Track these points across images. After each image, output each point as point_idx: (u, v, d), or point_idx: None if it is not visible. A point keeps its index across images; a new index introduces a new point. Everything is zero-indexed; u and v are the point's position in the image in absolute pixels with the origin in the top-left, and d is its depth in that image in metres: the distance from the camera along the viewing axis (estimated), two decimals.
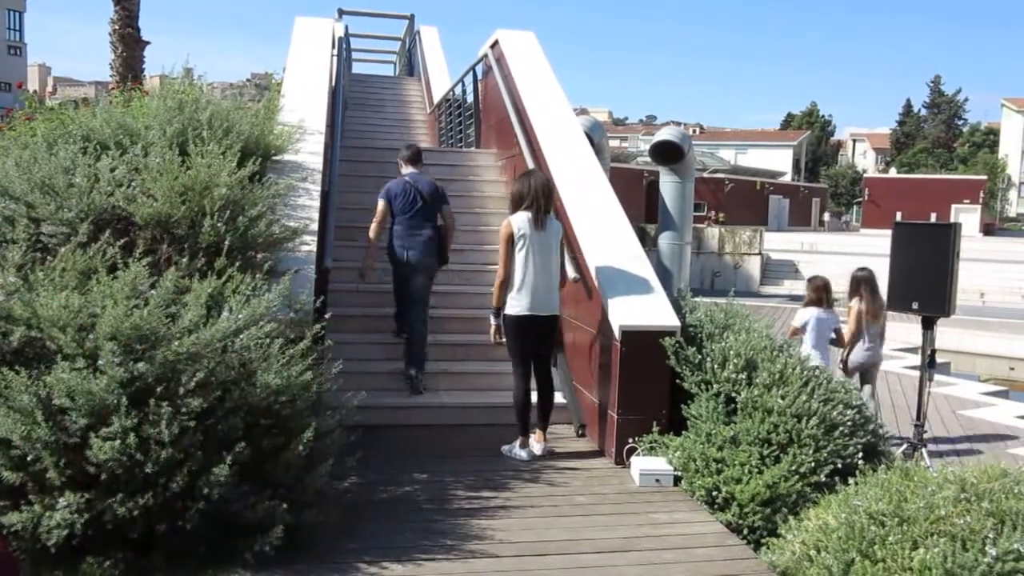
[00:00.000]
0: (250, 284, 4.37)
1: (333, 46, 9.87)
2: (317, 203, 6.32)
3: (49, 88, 68.80)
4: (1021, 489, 3.70)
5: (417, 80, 18.17)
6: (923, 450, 6.50)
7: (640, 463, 5.08)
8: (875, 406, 6.99)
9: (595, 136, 9.12)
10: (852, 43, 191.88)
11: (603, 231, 6.36)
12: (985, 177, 53.48)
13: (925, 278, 6.20)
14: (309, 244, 5.71)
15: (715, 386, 5.08)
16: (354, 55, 19.32)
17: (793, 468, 4.53)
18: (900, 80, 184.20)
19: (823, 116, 78.94)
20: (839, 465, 4.61)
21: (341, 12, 18.83)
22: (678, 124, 48.95)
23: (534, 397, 5.63)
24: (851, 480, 4.25)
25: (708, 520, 4.52)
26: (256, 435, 3.86)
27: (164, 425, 3.57)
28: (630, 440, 5.34)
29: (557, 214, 6.70)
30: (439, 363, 6.71)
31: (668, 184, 9.45)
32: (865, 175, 60.12)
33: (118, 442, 3.50)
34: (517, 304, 5.46)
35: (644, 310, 5.57)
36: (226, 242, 4.74)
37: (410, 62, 19.92)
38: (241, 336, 4.04)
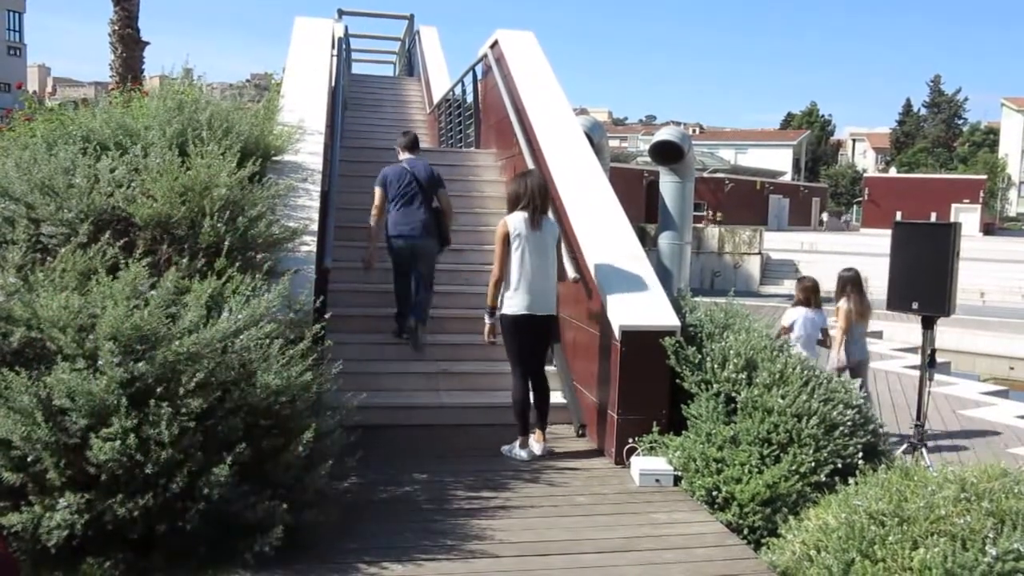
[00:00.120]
0: (250, 284, 4.38)
1: (333, 46, 9.87)
2: (317, 203, 6.32)
3: (49, 89, 68.81)
4: (1021, 489, 3.70)
5: (417, 80, 18.18)
6: (923, 450, 6.50)
7: (640, 463, 5.08)
8: (868, 403, 7.03)
9: (595, 136, 9.13)
10: (852, 43, 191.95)
11: (603, 231, 6.36)
12: (985, 177, 53.48)
13: (925, 278, 6.20)
14: (309, 244, 5.71)
15: (715, 386, 5.08)
16: (354, 55, 19.33)
17: (793, 468, 4.53)
18: (900, 80, 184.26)
19: (823, 116, 78.94)
20: (839, 465, 4.61)
21: (341, 12, 18.84)
22: (678, 124, 48.95)
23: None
24: (851, 480, 4.25)
25: (708, 520, 4.52)
26: (256, 435, 3.86)
27: (164, 426, 3.57)
28: (630, 440, 5.34)
29: (558, 213, 6.72)
30: (439, 363, 6.71)
31: (668, 184, 9.45)
32: (865, 175, 60.13)
33: (118, 443, 3.50)
34: (514, 304, 5.46)
35: (644, 310, 5.57)
36: (226, 242, 4.74)
37: (410, 62, 19.93)
38: (241, 336, 4.04)
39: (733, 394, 5.02)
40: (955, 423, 8.84)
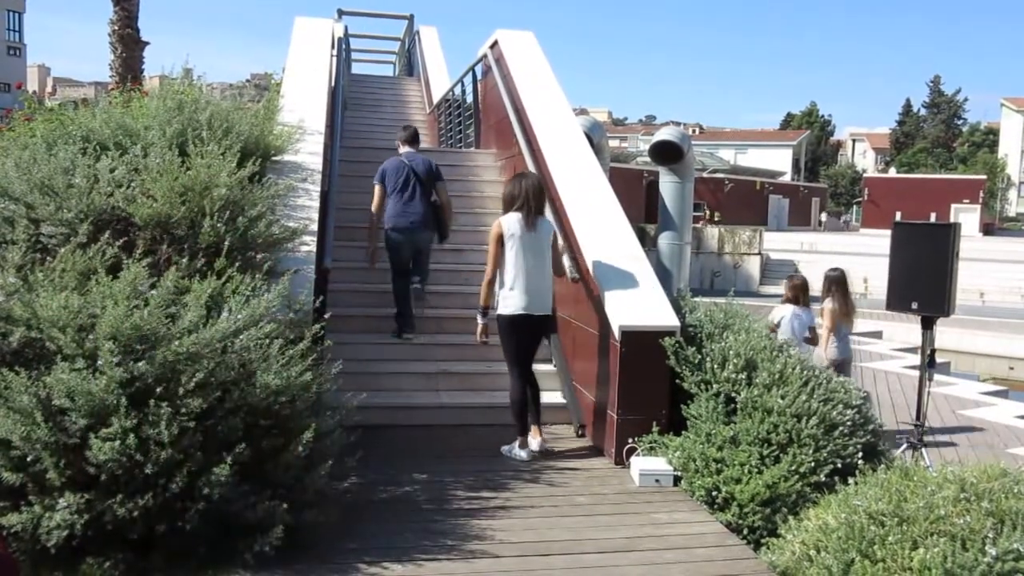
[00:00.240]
0: (250, 284, 4.38)
1: (332, 46, 9.87)
2: (317, 203, 6.32)
3: (49, 89, 68.79)
4: (1021, 489, 3.70)
5: (417, 80, 18.18)
6: (923, 450, 6.50)
7: (640, 463, 5.08)
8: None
9: (595, 136, 9.12)
10: (852, 43, 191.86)
11: (603, 231, 6.36)
12: (985, 177, 53.48)
13: (925, 278, 6.20)
14: (309, 244, 5.71)
15: (715, 386, 5.08)
16: (354, 55, 19.34)
17: (793, 468, 4.53)
18: (900, 80, 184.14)
19: (823, 116, 78.98)
20: (839, 465, 4.61)
21: (341, 12, 18.84)
22: (678, 124, 48.92)
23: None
24: (851, 480, 4.25)
25: (708, 520, 4.52)
26: (256, 435, 3.86)
27: (164, 426, 3.57)
28: (630, 440, 5.34)
29: (558, 213, 6.72)
30: (439, 363, 6.71)
31: (668, 184, 9.44)
32: (865, 175, 60.13)
33: (118, 443, 3.50)
34: (511, 303, 5.48)
35: (644, 310, 5.57)
36: (226, 242, 4.74)
37: (409, 62, 19.93)
38: (241, 336, 4.04)
39: (733, 394, 5.02)
40: (955, 423, 8.84)
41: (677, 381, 5.31)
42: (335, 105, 8.68)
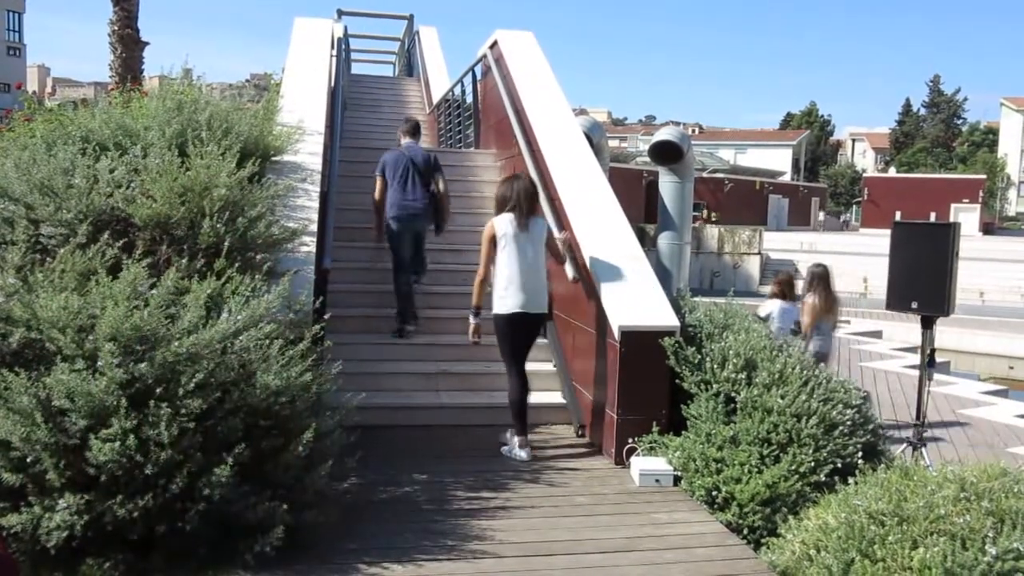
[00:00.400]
0: (249, 285, 4.38)
1: (332, 47, 9.87)
2: (316, 204, 6.32)
3: (48, 89, 68.80)
4: (1021, 488, 3.70)
5: (416, 80, 18.18)
6: (923, 449, 6.50)
7: (640, 463, 5.08)
8: None
9: (594, 136, 9.13)
10: (851, 43, 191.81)
11: (602, 231, 6.36)
12: (984, 176, 53.48)
13: (924, 277, 6.19)
14: (308, 245, 5.71)
15: (715, 386, 5.08)
16: (353, 56, 19.33)
17: (793, 468, 4.53)
18: (899, 80, 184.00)
19: (822, 116, 78.98)
20: (839, 465, 4.61)
21: (340, 13, 18.84)
22: (677, 124, 48.91)
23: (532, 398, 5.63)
24: (851, 480, 4.25)
25: (708, 520, 4.52)
26: (256, 436, 3.86)
27: (164, 426, 3.57)
28: (630, 440, 5.34)
29: (558, 213, 6.72)
30: (439, 363, 6.71)
31: (667, 184, 9.44)
32: (864, 175, 60.12)
33: (118, 443, 3.50)
34: (507, 303, 5.51)
35: (643, 310, 5.57)
36: (225, 243, 4.74)
37: (409, 62, 19.93)
38: (241, 337, 4.04)
39: (733, 394, 5.02)
40: (955, 422, 8.84)
41: (677, 381, 5.31)
42: (335, 105, 8.67)
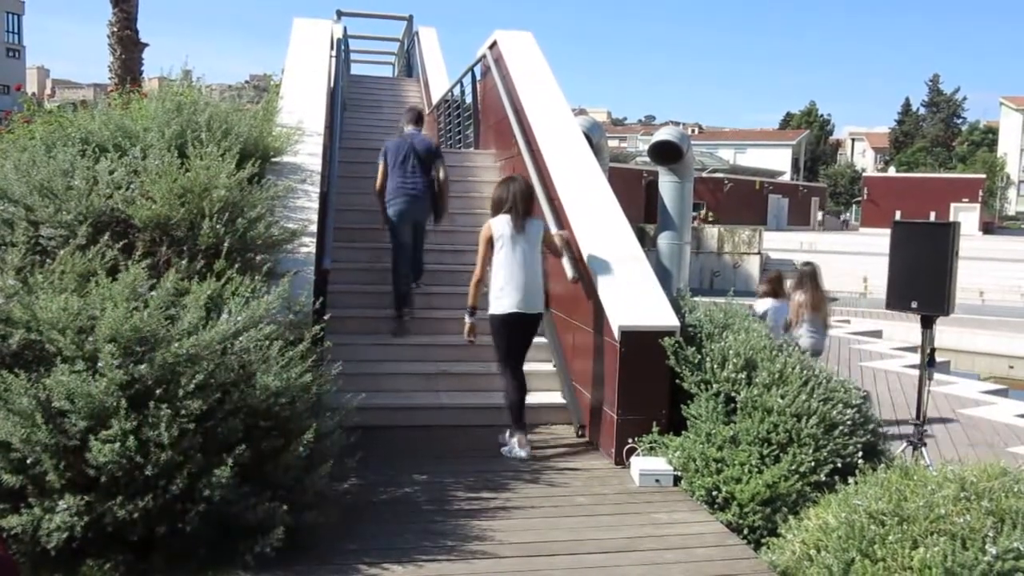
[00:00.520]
0: (249, 286, 4.38)
1: (331, 47, 9.87)
2: (316, 204, 6.32)
3: (48, 91, 68.77)
4: (1021, 488, 3.70)
5: (416, 81, 18.17)
6: (923, 449, 6.50)
7: (640, 463, 5.08)
8: None
9: (594, 136, 9.13)
10: (851, 43, 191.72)
11: (602, 231, 6.36)
12: (984, 176, 53.49)
13: (924, 277, 6.19)
14: (308, 246, 5.71)
15: (715, 386, 5.08)
16: (353, 56, 19.32)
17: (793, 467, 4.53)
18: (899, 79, 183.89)
19: (822, 115, 78.96)
20: (839, 464, 4.61)
21: (340, 13, 18.83)
22: (677, 124, 48.91)
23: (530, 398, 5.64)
24: (851, 479, 4.25)
25: (708, 520, 4.52)
26: (256, 437, 3.86)
27: (164, 427, 3.57)
28: (630, 440, 5.34)
29: (558, 214, 6.72)
30: (439, 364, 6.71)
31: (667, 184, 9.45)
32: (864, 174, 60.14)
33: (118, 444, 3.50)
34: (503, 304, 5.54)
35: (643, 310, 5.57)
36: (225, 244, 4.74)
37: (409, 63, 19.92)
38: (240, 338, 4.04)
39: (733, 394, 5.02)
40: (955, 422, 8.84)
41: (677, 381, 5.31)
42: (334, 106, 8.68)
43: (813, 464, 4.56)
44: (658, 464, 5.06)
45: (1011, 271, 26.91)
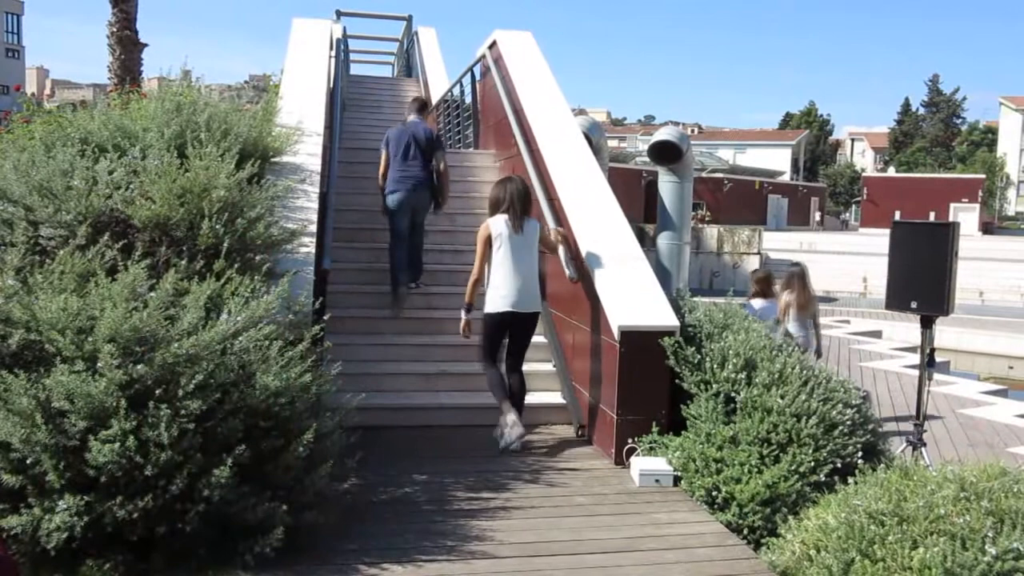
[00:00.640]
0: (249, 286, 4.38)
1: (331, 47, 9.88)
2: (316, 205, 6.32)
3: (47, 91, 68.78)
4: (1020, 488, 3.70)
5: (415, 81, 18.16)
6: (922, 449, 6.50)
7: (640, 463, 5.08)
8: None
9: (593, 136, 9.14)
10: (851, 43, 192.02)
11: (602, 231, 6.36)
12: (984, 176, 53.49)
13: (924, 277, 6.19)
14: (308, 246, 5.71)
15: (714, 386, 5.08)
16: (352, 56, 19.31)
17: (793, 468, 4.52)
18: (898, 79, 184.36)
19: (821, 115, 78.95)
20: (839, 464, 4.61)
21: (339, 13, 18.83)
22: (676, 124, 48.87)
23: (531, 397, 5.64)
24: (850, 479, 4.25)
25: (708, 520, 4.52)
26: (256, 437, 3.85)
27: (163, 427, 3.57)
28: (630, 440, 5.34)
29: (557, 214, 6.72)
30: (439, 364, 6.71)
31: (667, 184, 9.46)
32: (864, 174, 60.13)
33: (117, 444, 3.50)
34: (497, 303, 5.61)
35: (643, 310, 5.57)
36: (225, 244, 4.74)
37: (408, 63, 19.92)
38: (240, 338, 4.04)
39: (732, 394, 5.02)
40: (954, 422, 8.84)
41: (677, 381, 5.31)
42: (334, 106, 8.68)
43: (813, 464, 4.56)
44: (658, 464, 5.06)
45: (1011, 271, 26.91)
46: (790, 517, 4.28)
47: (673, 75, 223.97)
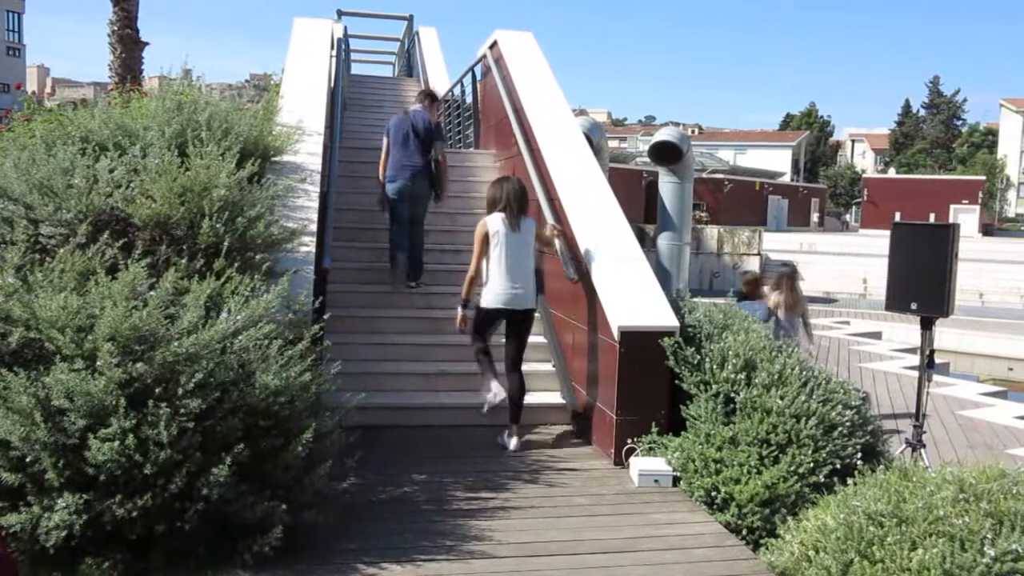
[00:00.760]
0: (249, 285, 4.38)
1: (332, 47, 9.87)
2: (316, 204, 6.32)
3: (48, 89, 68.79)
4: (1019, 489, 3.70)
5: (416, 81, 18.16)
6: (922, 450, 6.51)
7: (639, 464, 5.08)
8: None
9: (594, 137, 9.15)
10: (851, 43, 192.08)
11: (602, 231, 6.36)
12: (984, 177, 53.48)
13: (924, 278, 6.19)
14: (308, 245, 5.71)
15: (714, 386, 5.08)
16: (353, 56, 19.32)
17: (792, 468, 4.53)
18: (899, 80, 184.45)
19: (822, 116, 78.95)
20: (838, 465, 4.61)
21: (340, 13, 18.83)
22: (677, 125, 48.85)
23: (527, 399, 5.65)
24: (850, 480, 4.25)
25: (707, 520, 4.52)
26: (255, 436, 3.86)
27: (163, 426, 3.57)
28: (629, 440, 5.34)
29: (557, 214, 6.72)
30: (438, 364, 6.71)
31: (667, 184, 9.46)
32: (864, 175, 60.13)
33: (117, 443, 3.50)
34: (490, 299, 5.72)
35: (643, 310, 5.57)
36: (225, 243, 4.74)
37: (409, 63, 19.92)
38: (240, 337, 4.04)
39: (732, 395, 5.02)
40: (954, 424, 8.84)
41: (676, 381, 5.31)
42: (334, 106, 8.68)
43: (812, 465, 4.56)
44: (657, 464, 5.06)
45: (1011, 273, 26.90)
46: (789, 518, 4.28)
47: (673, 75, 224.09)
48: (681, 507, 4.70)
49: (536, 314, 6.83)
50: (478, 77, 11.03)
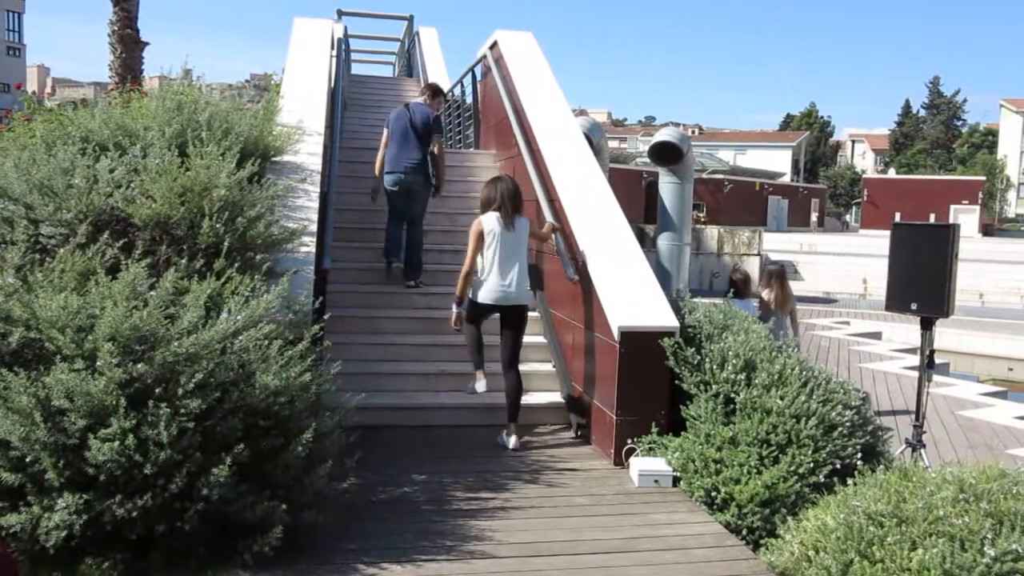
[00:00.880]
0: (249, 285, 4.38)
1: (332, 47, 9.87)
2: (316, 204, 6.32)
3: (48, 89, 68.80)
4: (1019, 490, 3.70)
5: (416, 81, 18.16)
6: (922, 450, 6.51)
7: (639, 464, 5.08)
8: None
9: (594, 137, 9.13)
10: (851, 43, 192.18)
11: (602, 232, 6.36)
12: (984, 178, 53.51)
13: (924, 279, 6.19)
14: (308, 245, 5.71)
15: (714, 387, 5.08)
16: (353, 56, 19.32)
17: (792, 469, 4.53)
18: (899, 81, 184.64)
19: (822, 117, 78.98)
20: (838, 465, 4.61)
21: (340, 13, 18.83)
22: (677, 125, 48.85)
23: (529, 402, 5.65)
24: (850, 480, 4.25)
25: (707, 521, 4.52)
26: (255, 436, 3.86)
27: (163, 426, 3.57)
28: (629, 441, 5.34)
29: (558, 214, 6.72)
30: (438, 363, 6.71)
31: (667, 185, 9.44)
32: (864, 176, 60.14)
33: (117, 443, 3.50)
34: (482, 294, 5.78)
35: (643, 311, 5.57)
36: (225, 243, 4.74)
37: (409, 63, 19.92)
38: (240, 337, 4.04)
39: (732, 395, 5.02)
40: (954, 424, 8.85)
41: (676, 382, 5.31)
42: (335, 106, 8.68)
43: (812, 465, 4.56)
44: (657, 465, 5.06)
45: (1011, 273, 26.94)
46: (789, 518, 4.28)
47: (673, 75, 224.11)
48: (681, 507, 4.70)
49: (535, 314, 6.85)
50: (478, 77, 11.03)
